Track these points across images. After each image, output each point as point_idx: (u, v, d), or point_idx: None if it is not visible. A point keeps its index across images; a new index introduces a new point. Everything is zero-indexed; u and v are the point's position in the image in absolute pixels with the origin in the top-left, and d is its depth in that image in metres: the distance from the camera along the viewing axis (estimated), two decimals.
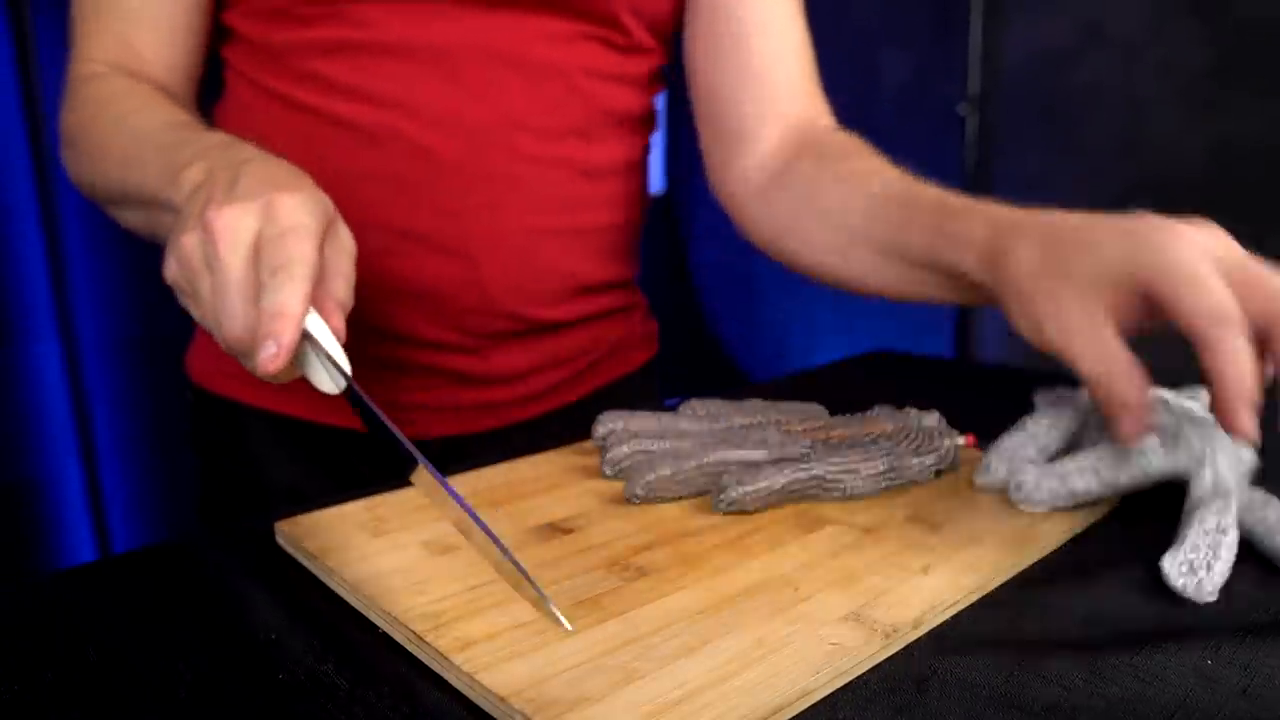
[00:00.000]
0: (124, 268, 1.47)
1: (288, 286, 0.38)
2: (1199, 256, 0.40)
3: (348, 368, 0.41)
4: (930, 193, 0.56)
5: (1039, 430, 0.51)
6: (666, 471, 0.48)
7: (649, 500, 0.48)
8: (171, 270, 0.43)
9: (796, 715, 0.31)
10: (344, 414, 0.66)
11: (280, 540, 0.46)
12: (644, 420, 0.55)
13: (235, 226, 0.40)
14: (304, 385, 0.65)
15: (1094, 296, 0.42)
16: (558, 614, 0.34)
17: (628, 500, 0.48)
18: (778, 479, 0.47)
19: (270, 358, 0.38)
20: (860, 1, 2.16)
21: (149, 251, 0.54)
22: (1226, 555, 0.41)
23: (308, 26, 0.59)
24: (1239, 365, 0.38)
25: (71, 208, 1.41)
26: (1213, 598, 0.40)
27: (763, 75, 0.67)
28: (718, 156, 0.70)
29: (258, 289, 0.39)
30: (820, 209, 0.62)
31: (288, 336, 0.38)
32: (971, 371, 1.01)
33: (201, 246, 0.40)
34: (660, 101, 0.72)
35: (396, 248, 0.60)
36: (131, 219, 0.56)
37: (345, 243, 0.44)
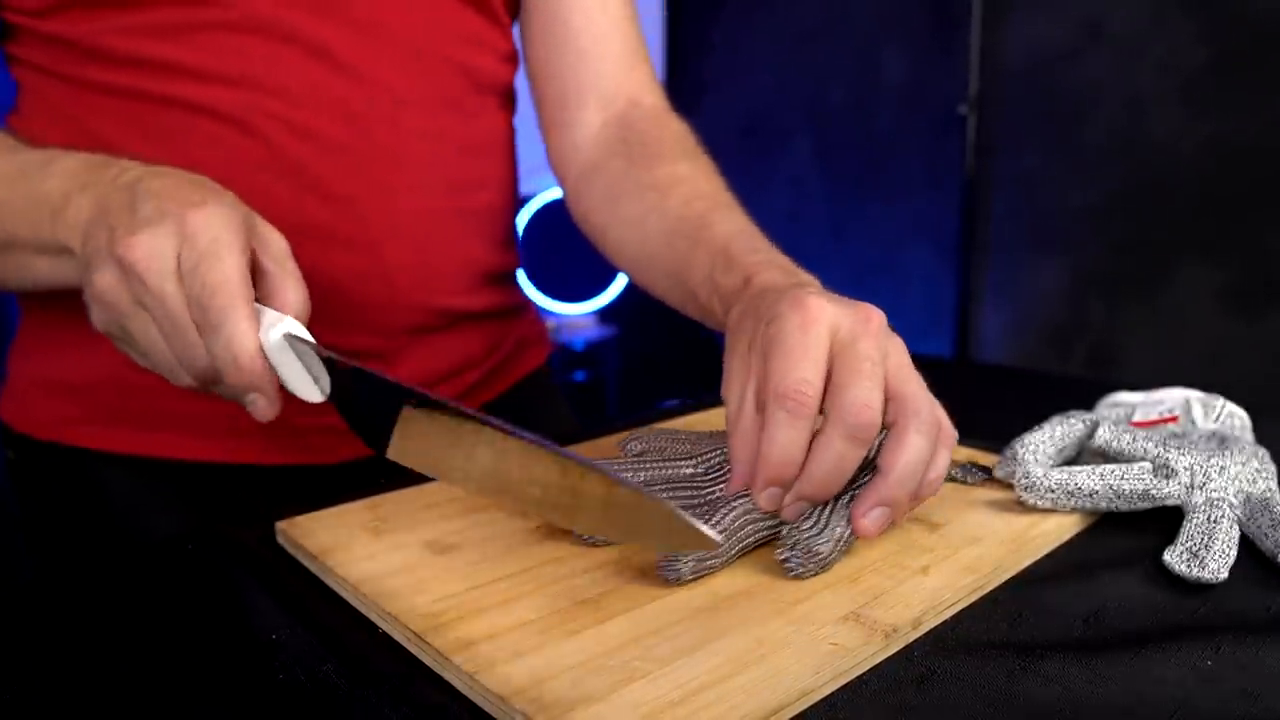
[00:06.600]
0: None
1: (230, 319, 0.36)
2: (803, 327, 0.38)
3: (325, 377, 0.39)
4: (721, 229, 0.52)
5: (1058, 432, 0.51)
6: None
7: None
8: (98, 317, 0.39)
9: (796, 715, 0.31)
10: (228, 449, 0.60)
11: (280, 540, 0.46)
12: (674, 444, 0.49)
13: (154, 255, 0.37)
14: (167, 420, 0.58)
15: (741, 364, 0.40)
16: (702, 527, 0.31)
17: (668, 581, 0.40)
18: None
19: (265, 408, 0.35)
20: (860, 1, 2.16)
21: None
22: (1224, 536, 0.42)
23: (126, 11, 0.52)
24: (784, 447, 0.37)
25: None
26: (1222, 576, 0.40)
27: (582, 53, 0.66)
28: (548, 136, 0.69)
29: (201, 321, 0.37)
30: (623, 217, 0.61)
31: (260, 378, 0.36)
32: (971, 371, 1.01)
33: (124, 284, 0.37)
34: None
35: (291, 243, 0.51)
36: None
37: (274, 245, 0.41)
